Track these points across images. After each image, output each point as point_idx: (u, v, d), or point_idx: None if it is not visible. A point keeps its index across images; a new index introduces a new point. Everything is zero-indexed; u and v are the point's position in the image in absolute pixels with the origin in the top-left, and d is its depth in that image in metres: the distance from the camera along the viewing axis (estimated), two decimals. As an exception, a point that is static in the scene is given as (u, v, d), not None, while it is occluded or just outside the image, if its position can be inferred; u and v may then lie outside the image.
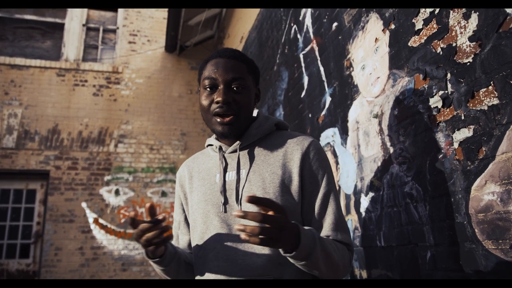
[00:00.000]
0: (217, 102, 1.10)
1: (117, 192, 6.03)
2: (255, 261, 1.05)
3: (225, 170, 1.17)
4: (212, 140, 1.25)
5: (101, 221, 5.84)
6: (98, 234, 5.78)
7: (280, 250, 0.92)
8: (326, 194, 1.12)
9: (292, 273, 1.05)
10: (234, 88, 1.12)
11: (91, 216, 5.82)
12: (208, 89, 1.14)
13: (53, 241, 5.57)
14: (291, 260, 0.94)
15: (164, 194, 6.19)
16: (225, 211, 1.12)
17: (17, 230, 5.67)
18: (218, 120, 1.11)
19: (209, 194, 1.16)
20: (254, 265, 1.04)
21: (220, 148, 1.20)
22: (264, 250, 1.05)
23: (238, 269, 1.05)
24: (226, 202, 1.12)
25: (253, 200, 0.85)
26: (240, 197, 1.11)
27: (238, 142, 1.17)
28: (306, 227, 0.98)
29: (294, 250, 0.90)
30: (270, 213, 0.87)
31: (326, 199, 1.11)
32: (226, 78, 1.12)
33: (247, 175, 1.13)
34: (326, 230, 1.09)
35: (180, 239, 1.29)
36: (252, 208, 1.08)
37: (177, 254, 1.17)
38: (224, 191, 1.14)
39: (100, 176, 6.02)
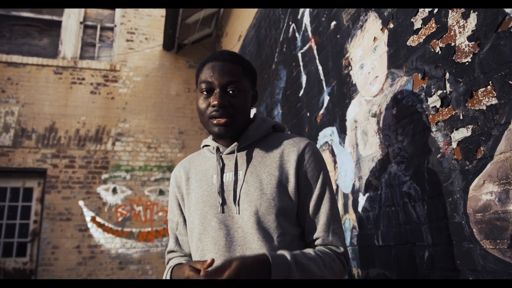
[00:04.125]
0: (213, 106, 1.11)
1: (114, 191, 6.01)
2: None
3: (222, 171, 1.18)
4: (208, 141, 1.26)
5: (98, 219, 5.83)
6: (95, 232, 5.77)
7: None
8: (320, 195, 1.13)
9: None
10: (230, 92, 1.13)
11: (88, 214, 5.81)
12: (205, 92, 1.15)
13: (50, 240, 5.55)
14: None
15: (161, 192, 6.18)
16: (223, 212, 1.12)
17: (14, 228, 5.65)
18: (214, 122, 1.12)
19: (206, 195, 1.17)
20: None
21: (218, 149, 1.21)
22: (262, 252, 1.05)
23: None
24: (224, 203, 1.13)
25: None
26: (238, 198, 1.12)
27: (235, 143, 1.18)
28: (280, 253, 1.00)
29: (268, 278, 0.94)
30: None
31: (320, 201, 1.13)
32: (221, 82, 1.12)
33: (245, 176, 1.14)
34: (318, 231, 1.11)
35: (180, 241, 1.29)
36: (249, 208, 1.09)
37: None
38: (222, 192, 1.14)
39: (97, 175, 6.00)
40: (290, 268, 0.96)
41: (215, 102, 1.10)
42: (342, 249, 1.11)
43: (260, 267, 0.93)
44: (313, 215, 1.12)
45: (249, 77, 1.21)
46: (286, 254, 1.00)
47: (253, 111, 1.28)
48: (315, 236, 1.11)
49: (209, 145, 1.26)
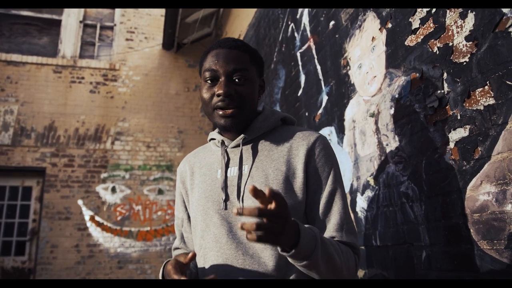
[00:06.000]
0: (218, 95, 1.05)
1: (113, 190, 6.01)
2: (256, 262, 1.01)
3: (227, 166, 1.12)
4: (214, 134, 1.20)
5: (97, 218, 5.82)
6: (94, 231, 5.76)
7: (278, 248, 0.87)
8: (332, 192, 1.06)
9: (295, 276, 1.00)
10: (236, 80, 1.07)
11: (87, 213, 5.80)
12: (209, 81, 1.08)
13: (49, 239, 5.55)
14: (290, 260, 0.89)
15: (160, 191, 6.17)
16: (226, 208, 1.07)
17: (13, 227, 5.64)
18: (220, 113, 1.06)
19: (209, 190, 1.11)
20: (255, 267, 1.00)
21: (223, 143, 1.15)
22: (266, 251, 1.00)
23: (238, 270, 1.01)
24: (227, 199, 1.07)
25: (254, 191, 0.78)
26: (242, 193, 1.06)
27: (241, 136, 1.11)
28: (307, 226, 0.93)
29: (293, 249, 0.85)
30: (271, 206, 0.80)
31: (332, 198, 1.06)
32: (227, 70, 1.06)
33: (250, 171, 1.08)
34: (331, 230, 1.04)
35: (185, 238, 1.25)
36: (253, 205, 1.01)
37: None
38: (225, 187, 1.09)
39: (96, 174, 6.00)
40: (316, 239, 0.90)
41: (220, 91, 1.04)
42: (357, 248, 1.06)
43: (296, 230, 0.87)
44: (324, 213, 1.05)
45: (256, 65, 1.14)
46: (314, 228, 0.94)
47: (261, 104, 1.23)
48: (327, 235, 1.04)
49: (215, 139, 1.19)
